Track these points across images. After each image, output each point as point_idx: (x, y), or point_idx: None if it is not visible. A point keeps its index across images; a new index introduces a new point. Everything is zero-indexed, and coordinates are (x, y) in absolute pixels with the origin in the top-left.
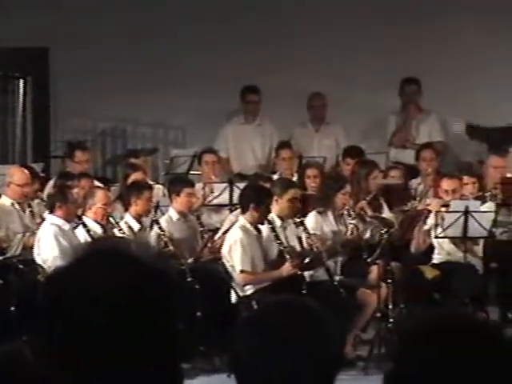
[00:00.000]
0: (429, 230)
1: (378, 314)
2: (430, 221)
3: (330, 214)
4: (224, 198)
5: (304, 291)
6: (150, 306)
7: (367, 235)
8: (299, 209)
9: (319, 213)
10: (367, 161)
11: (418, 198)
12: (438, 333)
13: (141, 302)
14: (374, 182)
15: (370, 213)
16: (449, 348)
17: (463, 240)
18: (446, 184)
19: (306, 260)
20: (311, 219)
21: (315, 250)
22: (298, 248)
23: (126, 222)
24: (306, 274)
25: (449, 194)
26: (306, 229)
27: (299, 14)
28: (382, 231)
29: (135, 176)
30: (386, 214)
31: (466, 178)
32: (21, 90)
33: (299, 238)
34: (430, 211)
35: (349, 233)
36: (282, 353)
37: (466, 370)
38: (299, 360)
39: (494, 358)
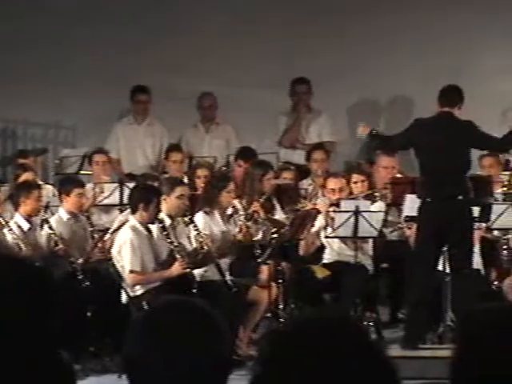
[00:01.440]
0: (318, 232)
1: (269, 314)
2: (319, 222)
3: (216, 214)
4: (114, 198)
5: (194, 291)
6: (31, 306)
7: (259, 236)
8: (188, 207)
9: (206, 213)
10: (262, 162)
11: (308, 199)
12: (303, 334)
13: (22, 303)
14: (269, 183)
15: (262, 215)
16: (312, 349)
17: (354, 240)
18: (332, 183)
19: (197, 258)
20: (199, 220)
21: (205, 248)
22: (188, 247)
23: (16, 222)
24: (197, 273)
25: (335, 193)
26: (195, 227)
27: (186, 14)
28: (274, 231)
29: (26, 176)
30: (279, 214)
31: (355, 177)
32: None
33: (189, 238)
34: (318, 211)
35: (237, 230)
36: (173, 353)
37: (328, 370)
38: (190, 360)
39: (357, 358)
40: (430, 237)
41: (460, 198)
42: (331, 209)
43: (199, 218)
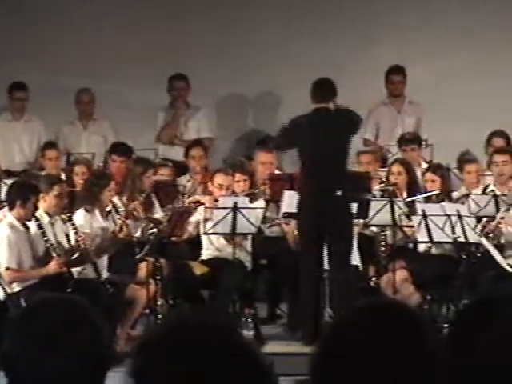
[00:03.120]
0: (197, 223)
1: (147, 311)
2: (200, 215)
3: (97, 212)
4: None
5: (72, 288)
6: None
7: (138, 233)
8: (66, 205)
9: (87, 211)
10: (142, 159)
11: (186, 195)
12: (170, 340)
13: None
14: (149, 180)
15: (141, 214)
16: (178, 355)
17: (232, 236)
18: (221, 179)
19: (74, 257)
20: (79, 217)
21: (83, 246)
22: (66, 245)
23: None
24: (75, 271)
25: (222, 189)
26: (74, 225)
27: (64, 11)
28: (151, 228)
29: None
30: (159, 212)
31: (238, 176)
32: None
33: (67, 235)
34: (201, 203)
35: (117, 228)
36: (51, 351)
37: (195, 375)
38: (69, 358)
39: (222, 361)
40: (310, 232)
41: (339, 193)
42: (214, 204)
43: (80, 215)
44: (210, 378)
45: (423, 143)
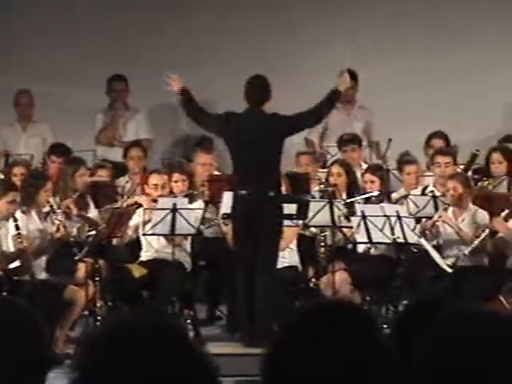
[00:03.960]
0: (136, 226)
1: (86, 312)
2: (140, 217)
3: (33, 213)
4: None
5: (8, 291)
6: None
7: (74, 233)
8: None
9: (23, 212)
10: (74, 158)
11: (125, 196)
12: (115, 335)
13: None
14: (81, 179)
15: (75, 211)
16: (121, 349)
17: (171, 237)
18: (155, 179)
19: (12, 265)
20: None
21: (22, 251)
22: (5, 249)
23: None
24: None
25: (158, 189)
26: (18, 228)
27: (14, 12)
28: (90, 229)
29: None
30: (93, 212)
31: (176, 176)
32: None
33: (6, 238)
34: (140, 205)
35: (54, 229)
36: None
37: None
38: (9, 359)
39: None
40: (243, 232)
41: (271, 194)
42: (152, 205)
43: (17, 216)
44: (157, 377)
45: (363, 144)
